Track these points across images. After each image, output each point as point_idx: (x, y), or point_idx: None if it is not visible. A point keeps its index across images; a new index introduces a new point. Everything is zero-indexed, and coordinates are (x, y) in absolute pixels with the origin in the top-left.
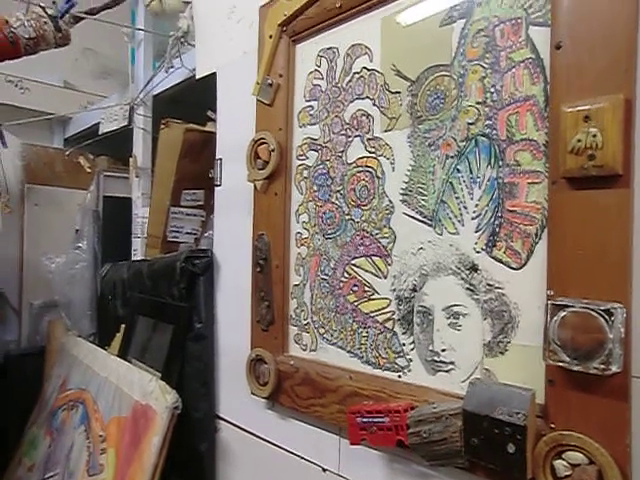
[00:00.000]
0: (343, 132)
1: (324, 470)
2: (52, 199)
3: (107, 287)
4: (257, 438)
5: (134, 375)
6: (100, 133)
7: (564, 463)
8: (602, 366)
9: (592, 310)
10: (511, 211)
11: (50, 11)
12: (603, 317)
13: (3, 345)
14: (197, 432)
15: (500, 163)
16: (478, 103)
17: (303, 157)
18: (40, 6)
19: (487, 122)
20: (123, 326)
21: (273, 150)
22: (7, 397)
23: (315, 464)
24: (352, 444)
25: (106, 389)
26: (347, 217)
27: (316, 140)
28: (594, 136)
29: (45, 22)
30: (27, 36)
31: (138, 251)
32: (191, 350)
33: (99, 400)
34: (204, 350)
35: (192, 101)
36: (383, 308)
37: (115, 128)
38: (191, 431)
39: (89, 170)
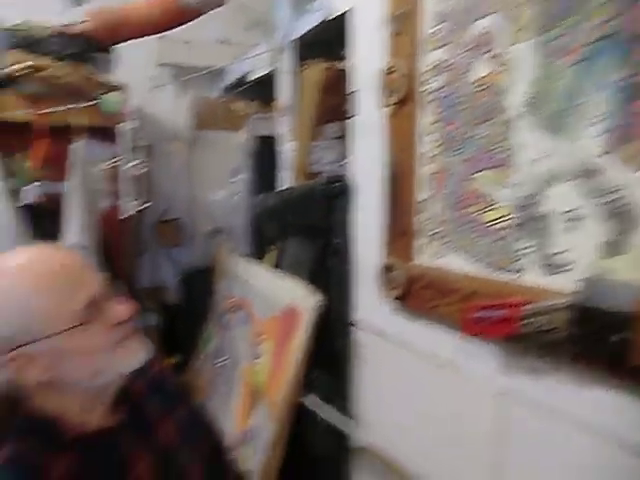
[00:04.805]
0: (466, 52)
1: (442, 365)
2: (215, 141)
3: (260, 214)
4: (386, 339)
5: (285, 283)
6: (250, 80)
7: None
8: None
9: None
10: (637, 113)
11: None
12: None
13: (183, 264)
14: (336, 333)
15: (627, 64)
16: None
17: (430, 81)
18: None
19: (615, 22)
20: (274, 246)
21: (402, 76)
22: (188, 305)
23: (436, 358)
24: (470, 335)
25: (261, 295)
26: (470, 134)
27: (441, 64)
28: None
29: None
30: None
31: (285, 182)
32: (330, 263)
33: (255, 304)
34: (341, 262)
35: (330, 41)
36: (502, 216)
37: (264, 73)
38: (331, 332)
39: (242, 114)
